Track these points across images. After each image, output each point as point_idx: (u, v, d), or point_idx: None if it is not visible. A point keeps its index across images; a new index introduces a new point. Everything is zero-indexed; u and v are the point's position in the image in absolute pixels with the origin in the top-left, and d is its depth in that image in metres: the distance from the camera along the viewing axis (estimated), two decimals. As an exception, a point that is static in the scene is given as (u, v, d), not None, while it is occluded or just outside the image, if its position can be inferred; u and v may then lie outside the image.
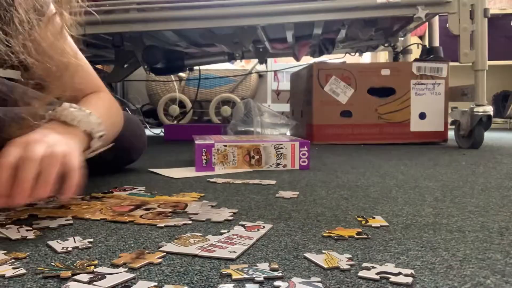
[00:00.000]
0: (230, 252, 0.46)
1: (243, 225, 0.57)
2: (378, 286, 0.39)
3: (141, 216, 0.62)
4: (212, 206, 0.69)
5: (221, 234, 0.53)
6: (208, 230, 0.56)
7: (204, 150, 1.04)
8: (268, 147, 1.07)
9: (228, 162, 1.05)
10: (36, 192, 0.52)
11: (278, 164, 1.08)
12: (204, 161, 1.04)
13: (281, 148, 1.07)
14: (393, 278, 0.40)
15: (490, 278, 0.40)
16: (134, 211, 0.66)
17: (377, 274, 0.41)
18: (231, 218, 0.61)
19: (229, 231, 0.54)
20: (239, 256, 0.45)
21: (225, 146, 1.05)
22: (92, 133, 0.66)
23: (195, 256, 0.46)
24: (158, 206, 0.68)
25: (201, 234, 0.53)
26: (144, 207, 0.68)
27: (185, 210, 0.66)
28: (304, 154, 1.09)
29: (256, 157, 1.05)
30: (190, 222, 0.59)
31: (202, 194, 0.78)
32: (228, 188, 0.85)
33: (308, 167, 1.09)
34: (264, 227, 0.56)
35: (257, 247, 0.49)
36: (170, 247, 0.48)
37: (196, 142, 1.06)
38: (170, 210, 0.66)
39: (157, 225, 0.58)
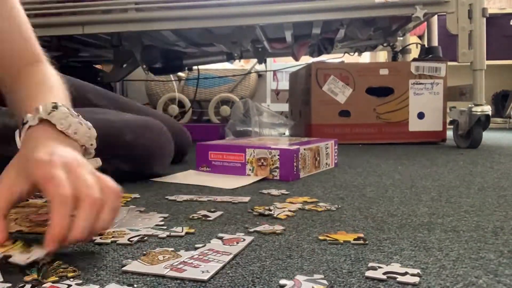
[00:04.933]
0: (203, 272, 0.41)
1: (221, 238, 0.51)
2: (372, 286, 0.39)
3: None
4: (140, 211, 0.64)
5: (196, 249, 0.47)
6: (179, 243, 0.49)
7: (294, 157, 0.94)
8: (323, 147, 1.06)
9: (306, 167, 0.99)
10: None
11: (327, 164, 1.08)
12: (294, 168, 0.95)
13: (328, 147, 1.08)
14: (400, 279, 0.40)
15: (482, 278, 0.40)
16: None
17: (383, 273, 0.41)
18: (162, 223, 0.57)
19: (205, 245, 0.48)
20: (212, 276, 0.40)
21: (304, 149, 0.97)
22: (88, 148, 0.53)
23: (162, 277, 0.40)
24: None
25: (172, 249, 0.47)
26: None
27: None
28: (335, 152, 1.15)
29: (318, 158, 1.03)
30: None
31: (131, 196, 0.74)
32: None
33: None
34: (244, 239, 0.50)
35: (250, 247, 0.49)
36: (135, 265, 0.42)
37: (280, 148, 0.94)
38: None
39: None
